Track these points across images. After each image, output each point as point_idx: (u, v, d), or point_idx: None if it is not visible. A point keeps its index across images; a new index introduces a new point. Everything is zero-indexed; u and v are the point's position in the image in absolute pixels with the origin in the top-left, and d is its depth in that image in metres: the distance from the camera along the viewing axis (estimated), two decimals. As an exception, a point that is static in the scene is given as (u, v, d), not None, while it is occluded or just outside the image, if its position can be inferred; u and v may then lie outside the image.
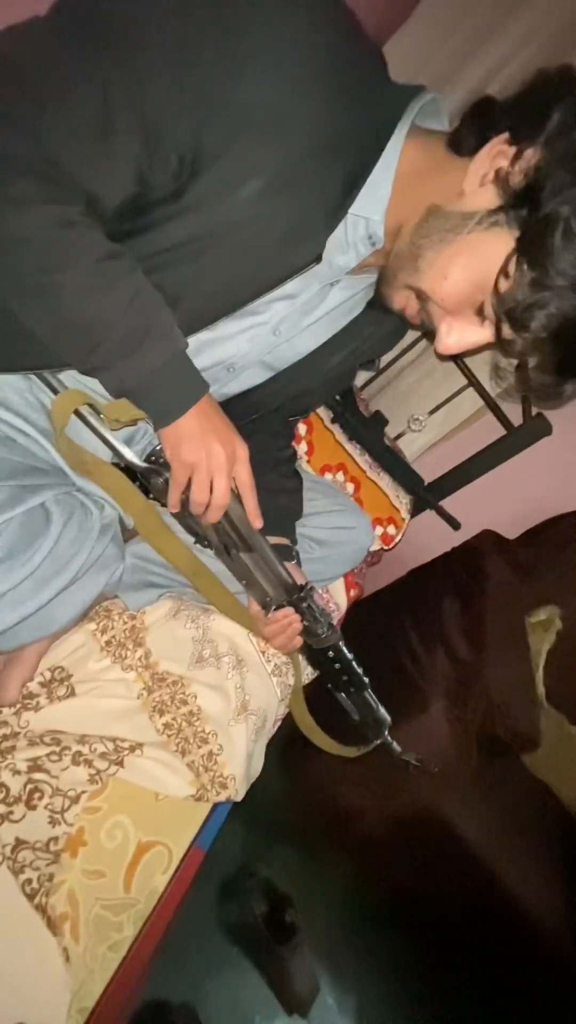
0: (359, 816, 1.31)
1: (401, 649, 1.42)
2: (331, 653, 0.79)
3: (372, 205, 0.50)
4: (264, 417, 0.82)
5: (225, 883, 1.25)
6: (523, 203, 0.43)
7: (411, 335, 1.45)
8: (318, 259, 0.52)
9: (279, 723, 0.98)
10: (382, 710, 0.85)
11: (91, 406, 0.61)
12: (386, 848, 1.32)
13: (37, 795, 0.57)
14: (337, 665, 0.80)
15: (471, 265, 0.46)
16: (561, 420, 1.47)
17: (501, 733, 1.15)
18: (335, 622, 1.17)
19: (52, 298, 0.48)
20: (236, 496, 0.64)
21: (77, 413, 0.61)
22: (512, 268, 0.43)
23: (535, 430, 1.35)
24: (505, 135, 0.44)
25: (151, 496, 0.71)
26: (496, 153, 0.44)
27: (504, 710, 1.15)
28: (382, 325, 0.71)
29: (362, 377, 1.52)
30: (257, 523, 0.66)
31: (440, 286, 0.49)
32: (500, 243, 0.44)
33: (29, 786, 0.57)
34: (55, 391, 0.62)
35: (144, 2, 0.42)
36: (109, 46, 0.41)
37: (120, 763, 0.64)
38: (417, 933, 1.35)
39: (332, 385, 0.84)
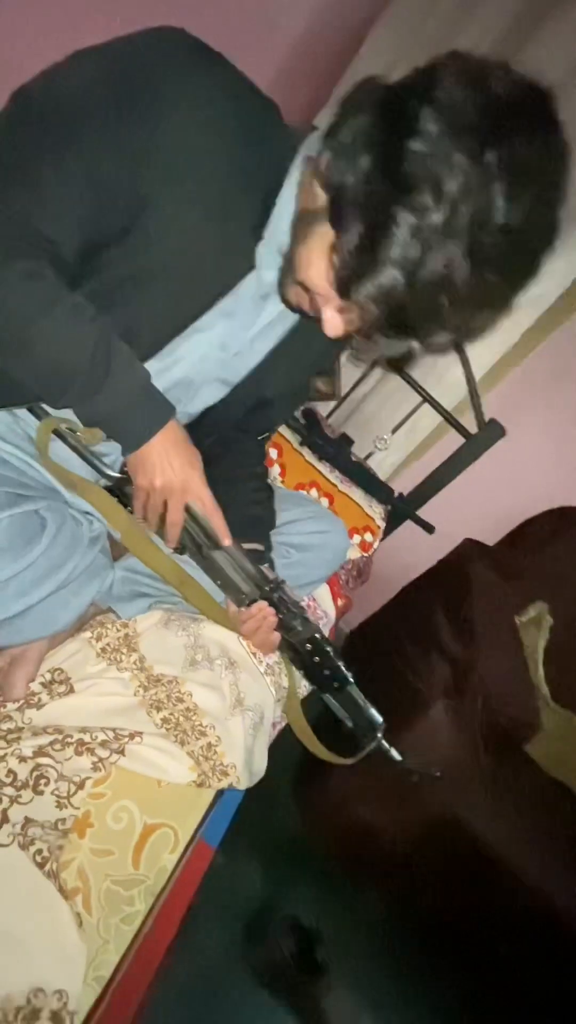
0: (377, 836, 1.28)
1: (398, 660, 1.45)
2: (309, 646, 0.81)
3: (284, 216, 0.61)
4: (234, 438, 0.91)
5: (249, 925, 1.21)
6: (328, 190, 0.52)
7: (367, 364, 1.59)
8: (252, 267, 0.63)
9: (279, 728, 1.00)
10: (372, 710, 0.84)
11: (70, 429, 0.70)
12: (410, 866, 1.28)
13: (43, 781, 0.61)
14: (317, 659, 0.82)
15: (320, 250, 0.54)
16: (516, 426, 1.58)
17: (501, 721, 1.16)
18: (326, 631, 1.22)
19: (23, 345, 0.57)
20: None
21: (56, 432, 0.70)
22: (336, 246, 0.51)
23: (489, 435, 1.45)
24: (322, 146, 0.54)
25: (131, 508, 0.79)
26: (319, 161, 0.53)
27: (501, 698, 1.17)
28: (319, 334, 0.82)
29: (327, 407, 1.64)
30: (225, 541, 0.72)
31: (308, 274, 0.57)
32: (330, 228, 0.53)
33: (35, 772, 0.61)
34: (39, 417, 0.71)
35: (77, 86, 0.55)
36: (55, 125, 0.54)
37: (121, 751, 0.67)
38: (454, 956, 1.29)
39: (289, 399, 0.93)
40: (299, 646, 0.81)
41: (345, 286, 0.52)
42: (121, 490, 0.74)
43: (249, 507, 0.88)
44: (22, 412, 0.73)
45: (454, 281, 0.47)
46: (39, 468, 0.73)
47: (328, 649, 0.81)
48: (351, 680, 0.83)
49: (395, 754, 0.89)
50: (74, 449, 0.70)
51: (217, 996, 1.07)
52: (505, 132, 0.46)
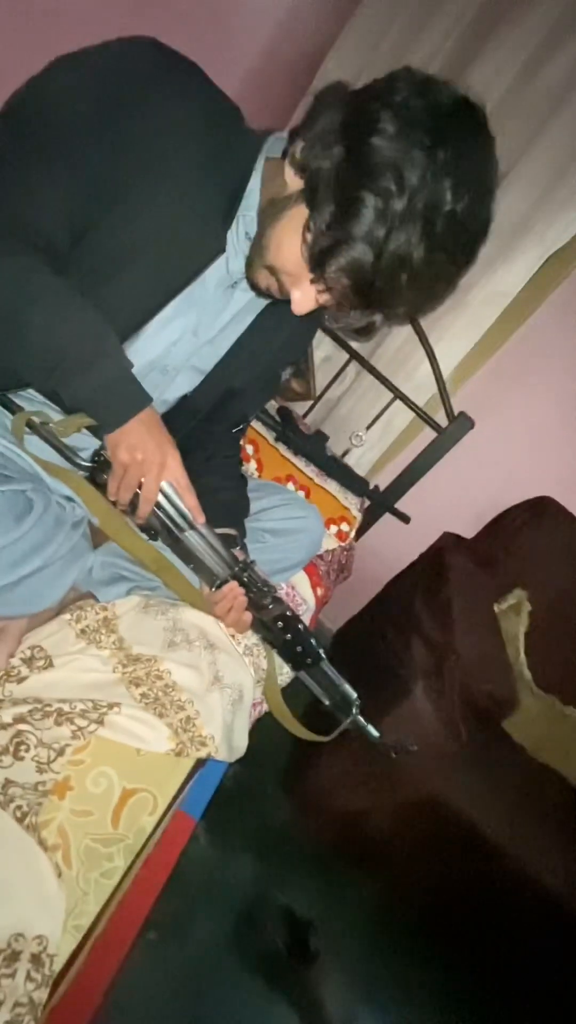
0: (365, 819, 1.30)
1: (382, 650, 1.48)
2: (280, 624, 0.84)
3: (251, 206, 0.68)
4: (207, 429, 0.95)
5: (242, 916, 1.21)
6: (304, 175, 0.60)
7: (341, 364, 1.64)
8: (221, 250, 0.70)
9: (260, 710, 1.02)
10: (346, 686, 0.88)
11: (43, 422, 0.74)
12: (399, 848, 1.30)
13: (23, 747, 0.63)
14: (288, 636, 0.85)
15: (292, 231, 0.61)
16: (488, 421, 1.64)
17: (479, 698, 1.19)
18: (307, 619, 1.25)
19: (17, 331, 0.62)
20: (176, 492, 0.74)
21: (30, 424, 0.73)
22: (310, 224, 0.59)
23: (459, 427, 1.50)
24: (298, 138, 0.62)
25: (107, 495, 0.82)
26: (295, 151, 0.61)
27: (479, 676, 1.20)
28: (286, 322, 0.87)
29: (303, 407, 1.69)
30: (200, 518, 0.76)
31: (279, 255, 0.64)
32: (304, 210, 0.60)
33: (15, 739, 0.63)
34: (11, 411, 0.75)
35: (59, 93, 0.61)
36: (40, 129, 0.60)
37: (100, 721, 0.70)
38: (445, 937, 1.30)
39: (258, 389, 0.98)
40: (271, 624, 0.85)
41: (318, 260, 0.59)
42: (95, 480, 0.78)
43: (222, 493, 0.93)
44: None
45: (412, 260, 0.56)
46: (23, 456, 0.77)
47: (300, 626, 0.85)
48: (323, 656, 0.86)
49: (372, 730, 0.91)
50: (46, 441, 0.74)
51: (210, 984, 1.08)
52: (451, 135, 0.55)
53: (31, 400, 0.78)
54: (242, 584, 0.82)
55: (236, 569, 0.81)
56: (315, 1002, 1.16)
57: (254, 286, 0.71)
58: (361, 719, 0.91)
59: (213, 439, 0.97)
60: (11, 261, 0.60)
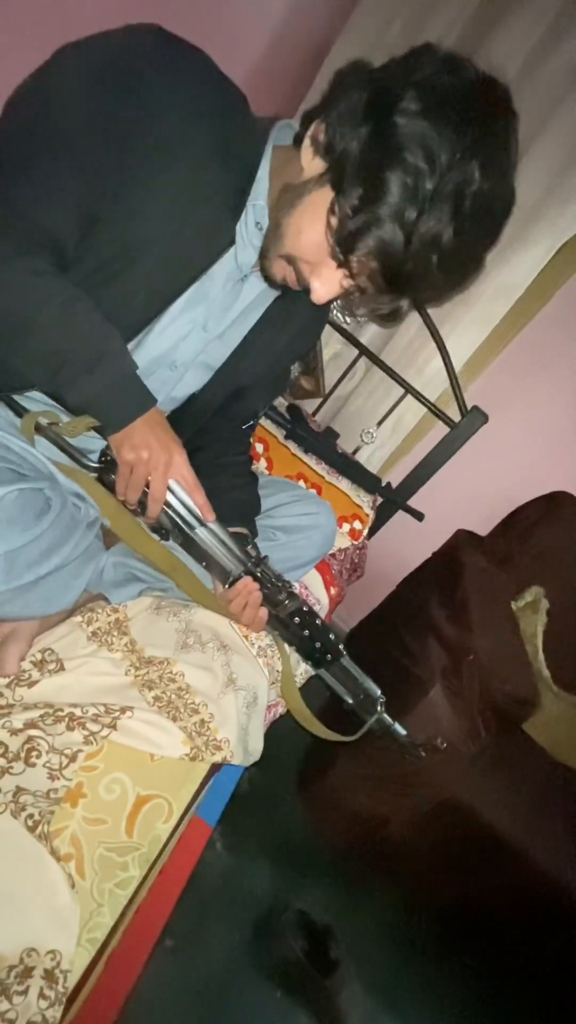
0: (382, 822, 1.27)
1: (396, 650, 1.45)
2: (297, 620, 0.82)
3: (260, 195, 0.66)
4: (216, 426, 0.94)
5: (259, 924, 1.19)
6: (328, 157, 0.58)
7: (351, 360, 1.62)
8: (231, 243, 0.68)
9: (276, 713, 1.00)
10: (370, 682, 0.86)
11: (51, 423, 0.72)
12: (418, 853, 1.27)
13: (35, 753, 0.61)
14: (306, 632, 0.83)
15: (314, 216, 0.59)
16: (500, 416, 1.61)
17: (499, 699, 1.16)
18: (321, 617, 1.22)
19: (24, 334, 0.61)
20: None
21: (37, 426, 0.72)
22: (335, 207, 0.57)
23: (473, 421, 1.48)
24: (319, 119, 0.60)
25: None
26: (316, 133, 0.59)
27: (497, 676, 1.17)
28: (294, 316, 0.85)
29: (312, 404, 1.67)
30: (209, 516, 0.74)
31: (298, 242, 0.62)
32: (327, 193, 0.58)
33: (27, 745, 0.61)
34: (17, 414, 0.74)
35: (63, 87, 0.59)
36: (45, 124, 0.58)
37: (113, 726, 0.68)
38: (468, 942, 1.27)
39: (267, 386, 0.96)
40: (287, 620, 0.83)
41: (347, 243, 0.57)
42: (103, 481, 0.76)
43: (232, 492, 0.91)
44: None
45: (442, 241, 0.54)
46: (37, 455, 0.76)
47: (317, 621, 0.83)
48: (343, 651, 0.84)
49: (399, 728, 0.89)
50: (53, 442, 0.73)
51: (227, 992, 1.06)
52: (479, 113, 0.53)
53: (35, 401, 0.77)
54: (256, 580, 0.80)
55: (249, 565, 0.79)
56: (336, 1011, 1.13)
57: (269, 277, 0.69)
58: (387, 717, 0.88)
59: (222, 437, 0.96)
60: (18, 263, 0.59)
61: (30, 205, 0.59)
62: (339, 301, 0.67)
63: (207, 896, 1.13)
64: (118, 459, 0.69)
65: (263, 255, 0.67)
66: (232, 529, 0.83)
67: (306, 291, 0.66)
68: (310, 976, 1.15)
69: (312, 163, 0.60)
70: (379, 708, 0.88)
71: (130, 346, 0.73)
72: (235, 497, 0.91)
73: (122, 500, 0.74)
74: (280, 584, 0.80)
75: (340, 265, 0.60)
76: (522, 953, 1.26)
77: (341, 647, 0.84)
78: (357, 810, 1.29)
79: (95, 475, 0.76)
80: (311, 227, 0.60)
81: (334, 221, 0.57)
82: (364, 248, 0.56)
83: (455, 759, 1.22)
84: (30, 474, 0.73)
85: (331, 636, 0.84)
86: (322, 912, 1.22)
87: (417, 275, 0.57)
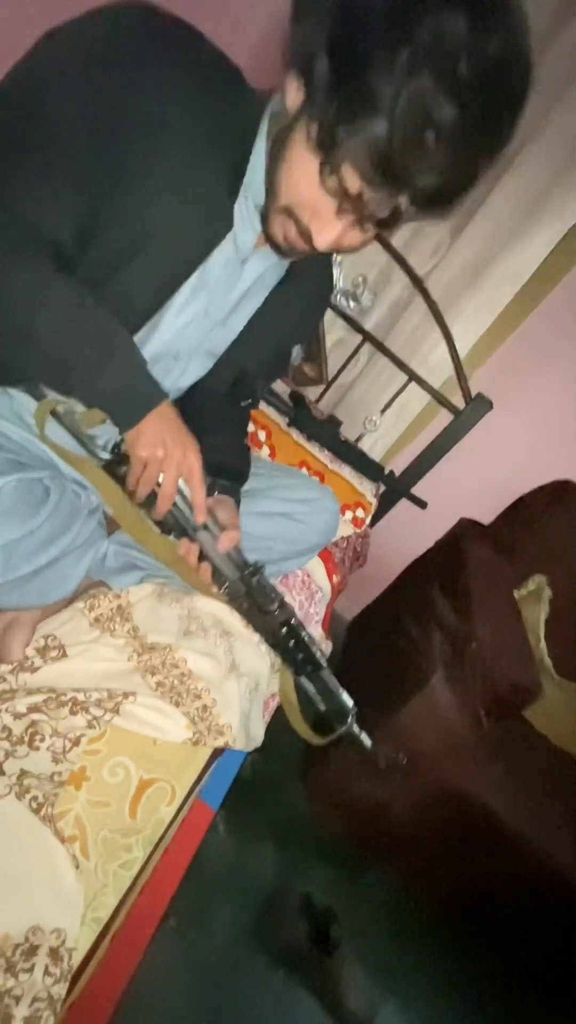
0: (385, 810, 1.28)
1: (399, 638, 1.45)
2: (284, 630, 0.82)
3: (257, 170, 0.64)
4: (216, 405, 0.93)
5: (262, 905, 1.20)
6: (302, 74, 0.54)
7: (354, 347, 1.61)
8: (229, 228, 0.66)
9: (277, 702, 1.01)
10: (345, 695, 0.86)
11: (68, 411, 0.72)
12: (419, 838, 1.28)
13: (38, 737, 0.62)
14: (292, 642, 0.83)
15: (302, 154, 0.56)
16: (505, 404, 1.59)
17: (500, 687, 1.16)
18: (322, 608, 1.23)
19: (30, 341, 0.60)
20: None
21: (54, 412, 0.72)
22: (311, 114, 0.53)
23: (477, 408, 1.46)
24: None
25: (125, 487, 0.80)
26: (290, 49, 0.55)
27: (499, 664, 1.17)
28: (296, 300, 0.83)
29: (314, 392, 1.66)
30: (200, 517, 0.73)
31: (293, 188, 0.58)
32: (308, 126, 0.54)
33: (30, 729, 0.62)
34: (37, 398, 0.73)
35: (49, 77, 0.57)
36: (33, 119, 0.56)
37: (116, 710, 0.68)
38: (469, 927, 1.28)
39: (270, 367, 0.95)
40: (276, 628, 0.82)
41: (328, 145, 0.53)
42: (113, 472, 0.75)
43: (225, 456, 0.90)
44: (16, 392, 0.76)
45: (433, 114, 0.48)
46: (38, 444, 0.76)
47: (303, 634, 0.83)
48: (324, 665, 0.85)
49: (366, 739, 0.90)
50: (68, 430, 0.72)
51: (230, 973, 1.07)
52: None
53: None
54: (249, 588, 0.80)
55: (245, 573, 0.79)
56: (336, 991, 1.15)
57: (271, 239, 0.66)
58: (355, 728, 0.89)
59: (222, 412, 0.95)
60: (19, 268, 0.58)
61: (23, 205, 0.58)
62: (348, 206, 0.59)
63: (210, 878, 1.14)
64: (132, 456, 0.68)
65: (264, 219, 0.65)
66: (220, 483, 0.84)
67: (309, 242, 0.62)
68: (312, 956, 1.17)
69: (294, 96, 0.56)
70: (350, 720, 0.89)
71: (136, 340, 0.72)
72: (214, 459, 0.90)
73: (130, 493, 0.73)
74: (273, 595, 0.80)
75: (328, 176, 0.55)
76: (521, 937, 1.27)
77: (323, 660, 0.85)
78: (359, 795, 1.30)
79: (105, 465, 0.75)
80: (301, 167, 0.56)
81: (314, 130, 0.53)
82: (346, 147, 0.51)
83: (456, 746, 1.23)
84: (30, 463, 0.73)
85: (314, 649, 0.84)
86: (324, 894, 1.24)
87: (412, 159, 0.50)
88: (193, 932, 1.08)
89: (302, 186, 0.58)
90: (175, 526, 0.75)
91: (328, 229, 0.59)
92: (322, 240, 0.60)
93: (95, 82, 0.56)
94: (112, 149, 0.57)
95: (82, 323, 0.60)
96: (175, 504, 0.72)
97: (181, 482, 0.70)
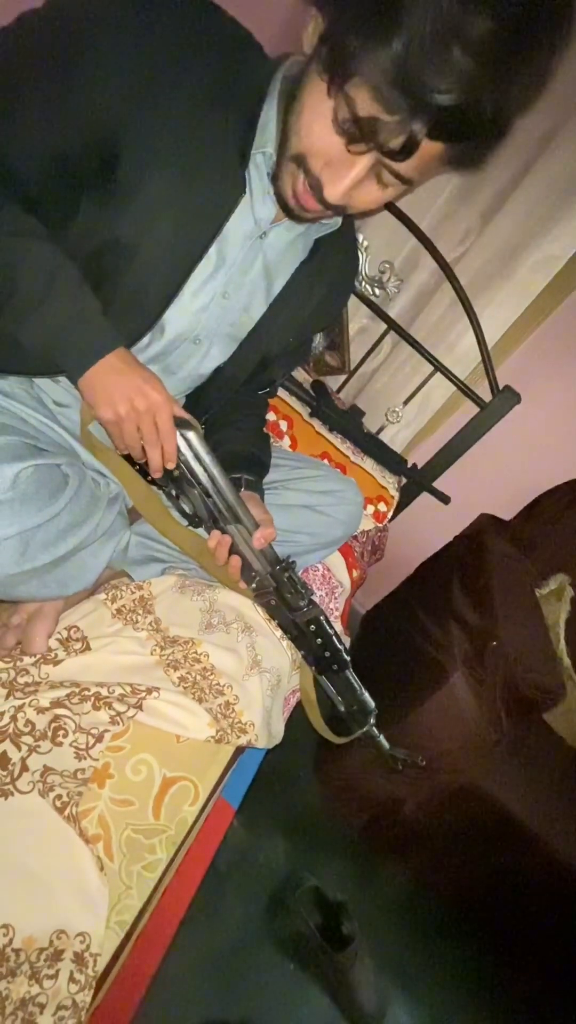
0: (398, 805, 1.26)
1: (416, 634, 1.43)
2: (313, 627, 0.80)
3: (266, 138, 0.60)
4: (236, 394, 0.90)
5: (273, 897, 1.20)
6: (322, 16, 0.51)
7: (377, 336, 1.57)
8: (242, 190, 0.62)
9: (296, 697, 0.99)
10: (366, 695, 0.85)
11: None
12: (433, 835, 1.27)
13: (61, 732, 0.60)
14: (319, 640, 0.81)
15: (317, 98, 0.52)
16: (531, 397, 1.55)
17: (523, 688, 1.14)
18: (341, 603, 1.20)
19: None
20: (220, 470, 0.69)
21: None
22: (323, 38, 0.50)
23: (504, 402, 1.42)
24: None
25: (151, 479, 0.78)
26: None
27: (522, 663, 1.15)
28: (319, 284, 0.80)
29: (337, 382, 1.62)
30: (157, 473, 0.68)
31: (306, 129, 0.54)
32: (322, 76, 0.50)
33: (53, 724, 0.60)
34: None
35: (50, 18, 0.54)
36: (35, 50, 0.54)
37: (139, 706, 0.67)
38: (481, 925, 1.27)
39: (292, 353, 0.91)
40: (303, 626, 0.80)
41: (343, 60, 0.48)
42: (135, 459, 0.73)
43: (247, 447, 0.87)
44: (40, 379, 0.73)
45: (461, 23, 0.43)
46: (56, 429, 0.73)
47: (330, 631, 0.81)
48: (349, 663, 0.83)
49: (384, 741, 0.88)
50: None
51: (242, 966, 1.07)
52: None
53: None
54: (279, 583, 0.78)
55: (276, 568, 0.77)
56: (348, 985, 1.14)
57: (280, 196, 0.62)
58: (375, 730, 0.88)
59: (241, 400, 0.92)
60: None
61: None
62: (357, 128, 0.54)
63: (224, 870, 1.14)
64: (100, 421, 0.62)
65: (276, 171, 0.61)
66: (244, 476, 0.81)
67: (319, 195, 0.58)
68: (323, 951, 1.16)
69: (312, 32, 0.52)
70: (371, 721, 0.87)
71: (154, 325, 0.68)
72: (250, 452, 0.87)
73: (127, 456, 0.69)
74: (303, 591, 0.78)
75: (343, 98, 0.50)
76: (534, 936, 1.26)
77: (348, 659, 0.83)
78: (373, 791, 1.29)
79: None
80: (313, 107, 0.52)
81: (327, 55, 0.49)
82: (361, 59, 0.47)
83: (474, 746, 1.21)
84: (48, 448, 0.70)
85: (341, 648, 0.81)
86: (336, 889, 1.23)
87: (431, 71, 0.45)
88: (205, 923, 1.08)
89: (314, 127, 0.53)
90: (206, 518, 0.73)
91: (339, 178, 0.55)
92: (333, 190, 0.55)
93: (97, 26, 0.53)
94: (111, 95, 0.54)
95: (26, 254, 0.55)
96: (207, 494, 0.69)
97: (197, 468, 0.66)
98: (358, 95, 0.49)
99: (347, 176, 0.54)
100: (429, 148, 0.51)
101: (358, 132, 0.51)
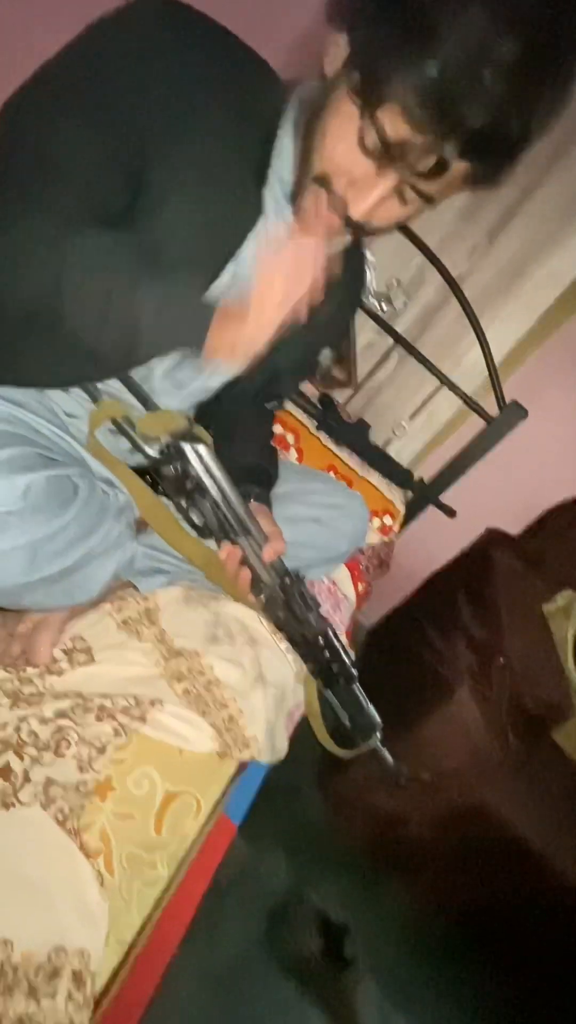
0: (402, 823, 1.25)
1: (422, 648, 1.42)
2: (320, 640, 0.80)
3: (283, 163, 0.61)
4: (245, 408, 0.90)
5: (274, 916, 1.18)
6: (344, 26, 0.52)
7: (384, 351, 1.58)
8: (259, 211, 0.63)
9: (300, 712, 0.98)
10: (372, 710, 0.84)
11: (126, 418, 0.70)
12: (437, 854, 1.25)
13: (65, 743, 0.60)
14: (327, 653, 0.81)
15: (343, 117, 0.52)
16: (538, 412, 1.55)
17: (529, 704, 1.13)
18: (347, 616, 1.20)
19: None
20: (230, 483, 0.69)
21: (114, 421, 0.70)
22: (352, 62, 0.51)
23: (511, 416, 1.42)
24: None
25: (160, 490, 0.78)
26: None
27: (528, 681, 1.14)
28: (327, 300, 0.81)
29: (343, 395, 1.63)
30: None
31: (332, 151, 0.54)
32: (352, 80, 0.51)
33: (57, 735, 0.60)
34: (94, 399, 0.71)
35: (71, 66, 0.56)
36: (60, 102, 0.55)
37: (143, 719, 0.66)
38: (486, 947, 1.24)
39: (299, 369, 0.92)
40: (312, 639, 0.80)
41: (374, 85, 0.49)
42: (159, 471, 0.73)
43: (255, 459, 0.87)
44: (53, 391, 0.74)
45: (491, 47, 0.45)
46: (67, 439, 0.74)
47: (338, 644, 0.80)
48: (356, 677, 0.82)
49: (388, 756, 0.88)
50: (119, 427, 0.70)
51: (242, 986, 1.05)
52: None
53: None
54: (288, 596, 0.78)
55: (286, 581, 0.77)
56: (349, 1007, 1.12)
57: (299, 212, 0.62)
58: (379, 745, 0.87)
59: (249, 413, 0.92)
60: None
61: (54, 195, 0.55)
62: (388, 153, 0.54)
63: (225, 887, 1.12)
64: (256, 294, 0.58)
65: (294, 195, 0.61)
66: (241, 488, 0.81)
67: (343, 214, 0.58)
68: (324, 972, 1.14)
69: (336, 54, 0.53)
70: (376, 735, 0.86)
71: None
72: (258, 464, 0.88)
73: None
74: (312, 604, 0.78)
75: (368, 124, 0.51)
76: (539, 960, 1.23)
77: (355, 673, 0.82)
78: (377, 807, 1.28)
79: (154, 463, 0.73)
80: (339, 128, 0.53)
81: (356, 79, 0.50)
82: (394, 83, 0.47)
83: (480, 763, 1.19)
84: (60, 458, 0.71)
85: (348, 662, 0.81)
86: (338, 908, 1.21)
87: (464, 94, 0.46)
88: (205, 941, 1.06)
89: (339, 148, 0.54)
90: (217, 530, 0.73)
91: (364, 197, 0.55)
92: (358, 208, 0.55)
93: (116, 68, 0.54)
94: (132, 135, 0.55)
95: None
96: (217, 507, 0.70)
97: (201, 469, 0.67)
98: (389, 118, 0.50)
99: (372, 195, 0.54)
100: (456, 169, 0.52)
101: (387, 154, 0.52)
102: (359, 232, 0.62)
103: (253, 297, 0.57)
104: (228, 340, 0.59)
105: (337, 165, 0.55)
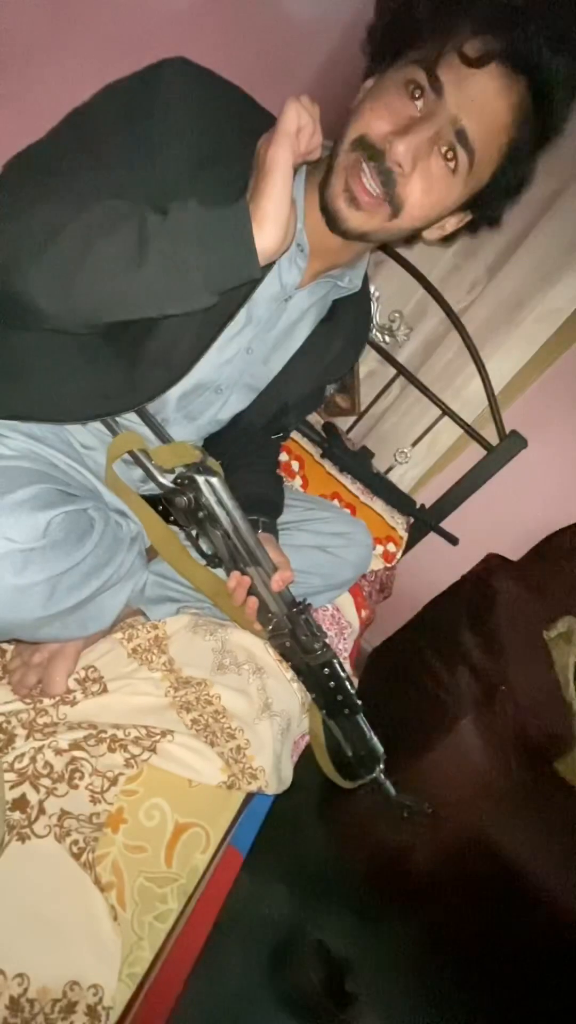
0: (406, 856, 1.24)
1: (424, 675, 1.42)
2: (326, 670, 0.81)
3: (296, 202, 0.61)
4: (252, 439, 0.93)
5: (277, 952, 1.16)
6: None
7: (386, 379, 1.61)
8: (270, 266, 0.65)
9: (305, 741, 0.99)
10: (376, 740, 0.85)
11: (143, 450, 0.73)
12: (442, 888, 1.23)
13: (78, 775, 0.61)
14: (332, 683, 0.82)
15: (377, 89, 0.59)
16: (537, 440, 1.58)
17: (533, 734, 1.13)
18: (350, 643, 1.21)
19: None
20: (241, 514, 0.72)
21: (131, 453, 0.72)
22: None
23: (511, 446, 1.45)
24: None
25: (171, 520, 0.80)
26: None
27: (531, 710, 1.14)
28: (336, 338, 0.84)
29: (347, 423, 1.66)
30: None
31: (373, 107, 0.58)
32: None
33: (70, 766, 0.61)
34: (113, 432, 0.74)
35: (95, 114, 0.60)
36: (84, 145, 0.59)
37: (153, 749, 0.67)
38: (490, 983, 1.22)
39: (305, 403, 0.95)
40: (316, 669, 0.81)
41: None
42: (171, 502, 0.75)
43: (262, 489, 0.90)
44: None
45: None
46: (83, 472, 0.76)
47: (343, 675, 0.82)
48: (360, 708, 0.83)
49: (391, 788, 0.88)
50: (135, 458, 0.73)
51: (243, 1020, 1.03)
52: None
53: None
54: (295, 626, 0.79)
55: (293, 611, 0.78)
56: (351, 1046, 1.10)
57: (329, 198, 0.62)
58: (383, 776, 0.87)
59: (257, 444, 0.95)
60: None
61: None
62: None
63: (226, 921, 1.11)
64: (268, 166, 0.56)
65: (324, 184, 0.62)
66: (258, 517, 0.83)
67: (381, 162, 0.57)
68: (326, 1008, 1.12)
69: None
70: (379, 767, 0.86)
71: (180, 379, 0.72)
72: (265, 494, 0.90)
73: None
74: (319, 634, 0.79)
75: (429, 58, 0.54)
76: (545, 996, 1.21)
77: (360, 704, 0.83)
78: (381, 839, 1.27)
79: (167, 493, 0.75)
80: (377, 96, 0.58)
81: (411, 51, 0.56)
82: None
83: (483, 794, 1.19)
84: (76, 492, 0.73)
85: (353, 692, 0.82)
86: (341, 943, 1.20)
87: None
88: (206, 977, 1.04)
89: (379, 103, 0.58)
90: (227, 559, 0.75)
91: (407, 136, 0.55)
92: (400, 146, 0.55)
93: (134, 112, 0.58)
94: (158, 174, 0.59)
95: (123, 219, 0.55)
96: (228, 536, 0.72)
97: (213, 500, 0.69)
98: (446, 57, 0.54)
99: (415, 132, 0.55)
100: (494, 104, 0.55)
101: (431, 62, 0.55)
102: (396, 208, 0.60)
103: (260, 171, 0.56)
104: (265, 216, 0.56)
105: (376, 115, 0.57)
